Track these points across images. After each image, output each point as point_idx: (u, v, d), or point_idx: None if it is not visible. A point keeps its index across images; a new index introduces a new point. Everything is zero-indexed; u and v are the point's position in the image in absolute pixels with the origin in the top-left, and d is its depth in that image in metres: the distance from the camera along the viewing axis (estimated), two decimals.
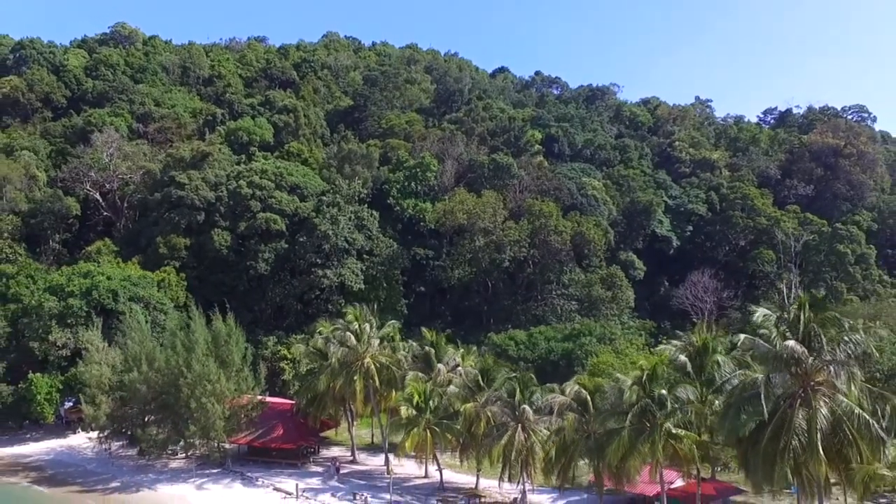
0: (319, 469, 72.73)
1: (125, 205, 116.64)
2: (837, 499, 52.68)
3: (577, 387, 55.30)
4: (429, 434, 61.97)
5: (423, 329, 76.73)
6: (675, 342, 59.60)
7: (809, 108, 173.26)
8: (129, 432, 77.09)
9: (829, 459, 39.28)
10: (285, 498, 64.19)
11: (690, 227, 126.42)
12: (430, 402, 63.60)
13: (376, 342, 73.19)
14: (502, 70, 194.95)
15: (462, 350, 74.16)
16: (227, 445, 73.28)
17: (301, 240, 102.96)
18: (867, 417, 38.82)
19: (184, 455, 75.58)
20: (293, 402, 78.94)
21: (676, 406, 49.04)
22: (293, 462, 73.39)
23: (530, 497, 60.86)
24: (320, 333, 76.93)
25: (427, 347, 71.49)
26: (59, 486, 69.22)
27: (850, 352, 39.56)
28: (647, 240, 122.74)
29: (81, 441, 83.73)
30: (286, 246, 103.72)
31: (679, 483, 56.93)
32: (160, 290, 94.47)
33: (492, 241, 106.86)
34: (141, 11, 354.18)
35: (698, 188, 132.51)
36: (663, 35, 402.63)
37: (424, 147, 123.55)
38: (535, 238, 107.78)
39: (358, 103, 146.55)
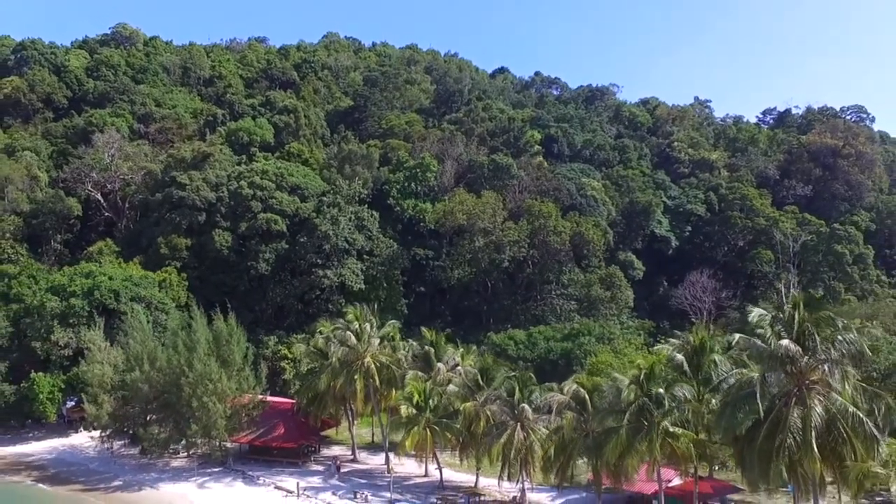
0: (320, 468, 73.18)
1: (126, 205, 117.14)
2: (834, 497, 53.20)
3: (575, 386, 55.77)
4: (429, 433, 62.37)
5: (423, 329, 77.12)
6: (673, 340, 60.07)
7: (808, 109, 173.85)
8: (131, 431, 77.49)
9: (823, 457, 39.74)
10: (286, 496, 64.58)
11: (689, 228, 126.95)
12: (430, 402, 64.02)
13: (376, 342, 73.62)
14: (502, 70, 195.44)
15: (462, 349, 74.67)
16: (228, 444, 73.87)
17: (302, 240, 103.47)
18: (861, 416, 39.32)
19: (185, 454, 76.01)
20: (294, 401, 79.29)
21: (674, 405, 49.54)
22: (294, 461, 73.82)
23: (529, 495, 61.40)
24: (321, 333, 77.33)
25: (427, 347, 71.94)
26: (62, 484, 69.67)
27: (844, 351, 40.07)
28: (646, 240, 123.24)
29: (83, 440, 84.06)
30: (287, 246, 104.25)
31: (677, 481, 57.37)
32: (161, 290, 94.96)
33: (491, 241, 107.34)
34: (142, 12, 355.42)
35: (697, 188, 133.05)
36: (663, 35, 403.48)
37: (424, 147, 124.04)
38: (534, 238, 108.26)
39: (358, 104, 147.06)
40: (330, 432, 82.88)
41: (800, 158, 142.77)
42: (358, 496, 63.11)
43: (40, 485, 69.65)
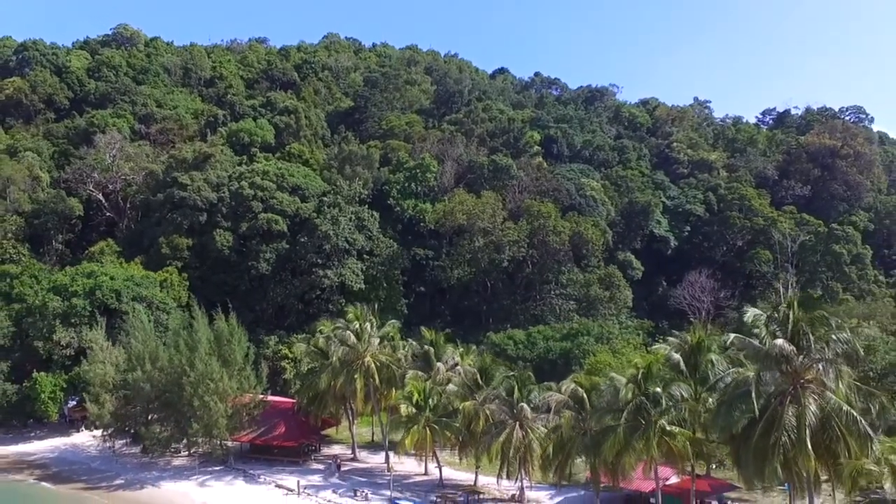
0: (320, 466, 73.64)
1: (128, 205, 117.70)
2: (829, 494, 53.63)
3: (573, 385, 56.10)
4: (428, 432, 62.78)
5: (423, 328, 77.62)
6: (671, 339, 60.45)
7: (807, 109, 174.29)
8: (132, 430, 77.91)
9: (818, 455, 40.21)
10: (287, 495, 64.99)
11: (688, 228, 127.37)
12: (430, 401, 64.45)
13: (376, 341, 74.07)
14: (502, 71, 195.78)
15: (461, 349, 75.07)
16: (229, 443, 74.28)
17: (302, 240, 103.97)
18: (855, 414, 39.79)
19: (187, 453, 76.43)
20: (294, 400, 79.73)
21: (670, 404, 49.92)
22: (295, 460, 74.30)
23: (528, 493, 61.86)
24: (321, 333, 77.69)
25: (426, 346, 72.39)
26: (64, 483, 70.23)
27: (838, 350, 40.54)
28: (645, 240, 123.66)
29: (85, 439, 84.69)
30: (287, 246, 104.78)
31: (674, 480, 57.79)
32: (163, 289, 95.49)
33: (491, 241, 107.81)
34: (143, 13, 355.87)
35: (696, 189, 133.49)
36: (663, 36, 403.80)
37: (424, 148, 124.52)
38: (533, 238, 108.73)
39: (358, 104, 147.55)
40: (330, 431, 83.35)
41: (798, 159, 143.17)
42: (358, 494, 63.57)
43: (43, 483, 70.22)
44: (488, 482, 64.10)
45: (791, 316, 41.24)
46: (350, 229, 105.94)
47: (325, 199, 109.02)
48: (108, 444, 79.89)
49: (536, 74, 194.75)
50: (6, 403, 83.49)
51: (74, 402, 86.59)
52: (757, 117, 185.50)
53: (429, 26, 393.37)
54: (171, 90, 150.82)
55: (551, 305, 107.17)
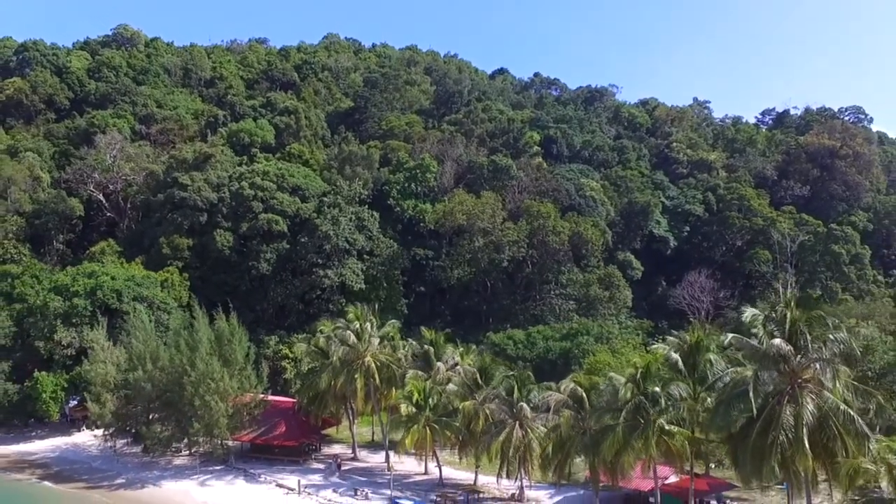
0: (321, 466, 73.90)
1: (128, 206, 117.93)
2: (828, 494, 53.86)
3: (573, 385, 56.37)
4: (428, 431, 63.06)
5: (423, 328, 77.90)
6: (671, 339, 60.69)
7: (807, 110, 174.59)
8: (133, 430, 78.18)
9: (815, 454, 40.48)
10: (287, 494, 65.25)
11: (688, 228, 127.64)
12: (430, 400, 64.73)
13: (377, 341, 74.33)
14: (501, 71, 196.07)
15: (461, 349, 75.22)
16: (230, 443, 74.58)
17: (302, 240, 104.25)
18: (852, 413, 40.08)
19: (187, 452, 76.64)
20: (295, 400, 80.00)
21: (669, 403, 50.26)
22: (295, 459, 74.56)
23: (528, 493, 62.18)
24: (321, 332, 77.92)
25: (426, 346, 72.65)
26: (65, 482, 70.46)
27: (835, 350, 40.80)
28: (645, 240, 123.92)
29: (86, 439, 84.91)
30: (288, 246, 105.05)
31: (673, 479, 58.05)
32: (163, 290, 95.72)
33: (491, 241, 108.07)
34: (143, 13, 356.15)
35: (695, 189, 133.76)
36: (662, 36, 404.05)
37: (424, 148, 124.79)
38: (533, 238, 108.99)
39: (358, 105, 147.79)
40: (330, 431, 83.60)
41: (798, 159, 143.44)
42: (358, 493, 63.84)
43: (45, 482, 70.45)
44: (488, 481, 64.34)
45: (788, 316, 41.55)
46: (350, 229, 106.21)
47: (325, 199, 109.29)
48: (109, 444, 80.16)
49: (536, 75, 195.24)
50: (7, 403, 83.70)
51: (75, 402, 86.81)
52: (756, 117, 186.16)
53: (428, 27, 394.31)
54: (172, 90, 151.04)
55: (551, 305, 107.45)
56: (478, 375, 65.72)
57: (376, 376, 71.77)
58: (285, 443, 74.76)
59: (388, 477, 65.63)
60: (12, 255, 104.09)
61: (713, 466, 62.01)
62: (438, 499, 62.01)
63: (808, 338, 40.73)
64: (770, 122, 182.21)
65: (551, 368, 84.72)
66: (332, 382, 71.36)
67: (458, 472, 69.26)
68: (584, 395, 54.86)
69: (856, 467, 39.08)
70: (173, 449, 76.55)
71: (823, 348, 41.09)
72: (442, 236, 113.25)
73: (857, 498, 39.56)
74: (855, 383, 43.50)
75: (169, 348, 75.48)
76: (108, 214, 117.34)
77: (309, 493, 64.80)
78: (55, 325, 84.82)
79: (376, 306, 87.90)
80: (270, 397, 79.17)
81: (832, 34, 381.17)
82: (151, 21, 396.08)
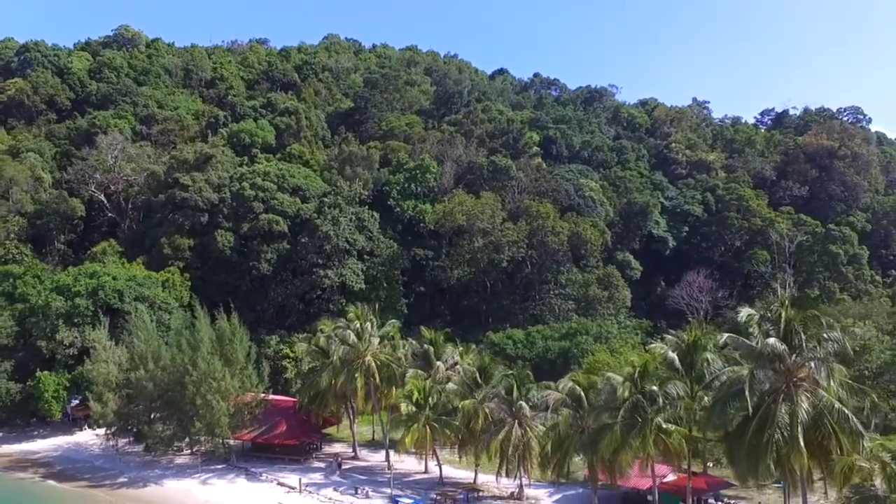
0: (322, 465, 74.28)
1: (129, 206, 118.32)
2: (825, 493, 54.34)
3: (571, 384, 56.78)
4: (428, 430, 63.45)
5: (423, 328, 78.36)
6: (668, 338, 61.18)
7: (806, 110, 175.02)
8: (135, 429, 78.51)
9: (810, 452, 40.91)
10: (288, 492, 65.57)
11: (686, 228, 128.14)
12: (430, 399, 65.14)
13: (377, 341, 74.73)
14: (501, 72, 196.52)
15: (461, 348, 75.66)
16: (231, 442, 74.84)
17: (303, 240, 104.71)
18: (846, 412, 40.57)
19: (189, 451, 77.00)
20: (296, 399, 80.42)
21: (667, 402, 50.64)
22: (296, 458, 74.94)
23: (527, 491, 62.61)
24: (322, 332, 78.31)
25: (426, 346, 73.08)
26: (68, 481, 70.80)
27: (830, 349, 41.30)
28: (644, 240, 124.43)
29: (88, 438, 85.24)
30: (288, 247, 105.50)
31: (671, 477, 58.49)
32: (165, 290, 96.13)
33: (490, 241, 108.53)
34: (144, 14, 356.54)
35: (694, 189, 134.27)
36: (662, 36, 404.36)
37: (424, 149, 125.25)
38: (532, 239, 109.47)
39: (358, 105, 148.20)
40: (331, 430, 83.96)
41: (796, 159, 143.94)
42: (359, 492, 64.23)
43: (49, 481, 70.81)
44: (488, 480, 64.76)
45: (783, 315, 42.05)
46: (350, 230, 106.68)
47: (325, 199, 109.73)
48: (111, 443, 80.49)
49: (536, 75, 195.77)
50: (10, 402, 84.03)
51: (77, 402, 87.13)
52: (756, 118, 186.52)
53: (428, 27, 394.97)
54: (172, 91, 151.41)
55: (550, 305, 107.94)
56: (477, 375, 66.12)
57: (376, 375, 72.16)
58: (286, 442, 75.19)
59: (389, 475, 66.08)
60: (14, 256, 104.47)
61: (711, 465, 62.40)
62: (438, 497, 62.39)
63: (803, 337, 41.26)
64: (769, 122, 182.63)
65: (550, 368, 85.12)
66: (333, 382, 71.75)
67: (457, 471, 69.70)
68: (582, 394, 55.32)
69: (850, 465, 39.55)
70: (175, 448, 76.93)
71: (818, 347, 41.61)
72: (442, 236, 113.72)
73: (851, 495, 39.97)
74: (850, 382, 44.01)
75: (170, 348, 75.88)
76: (110, 215, 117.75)
77: (310, 492, 65.15)
78: (57, 325, 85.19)
79: (376, 306, 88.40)
80: (271, 396, 79.62)
81: (832, 34, 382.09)
82: (152, 22, 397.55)
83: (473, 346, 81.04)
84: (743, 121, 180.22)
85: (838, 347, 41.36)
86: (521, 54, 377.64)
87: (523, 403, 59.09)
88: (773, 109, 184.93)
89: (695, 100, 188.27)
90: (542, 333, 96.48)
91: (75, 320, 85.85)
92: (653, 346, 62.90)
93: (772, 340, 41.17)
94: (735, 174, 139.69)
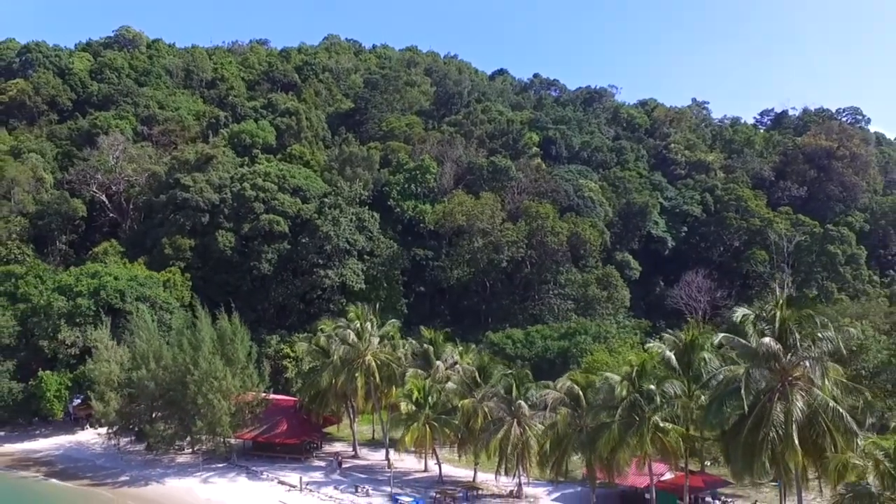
0: (322, 463, 74.70)
1: (131, 206, 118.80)
2: (821, 491, 54.77)
3: (569, 383, 57.19)
4: (428, 429, 63.88)
5: (423, 328, 78.87)
6: (666, 337, 61.57)
7: (805, 110, 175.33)
8: (137, 428, 79.09)
9: (805, 450, 41.34)
10: (289, 491, 65.99)
11: (685, 228, 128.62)
12: (429, 399, 65.57)
13: (377, 340, 75.18)
14: (501, 72, 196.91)
15: (460, 348, 76.09)
16: (232, 441, 75.25)
17: (303, 241, 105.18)
18: (841, 410, 41.02)
19: (190, 450, 77.35)
20: (296, 398, 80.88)
21: (664, 401, 51.11)
22: (297, 457, 75.33)
23: (526, 489, 62.99)
24: (322, 332, 78.72)
25: (426, 345, 73.55)
26: (70, 479, 71.21)
27: (824, 348, 41.77)
28: (643, 240, 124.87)
29: (90, 437, 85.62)
30: (289, 247, 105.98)
31: (668, 476, 58.92)
32: (166, 290, 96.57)
33: (490, 241, 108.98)
34: (144, 15, 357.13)
35: (693, 190, 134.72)
36: (662, 36, 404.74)
37: (424, 149, 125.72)
38: (532, 239, 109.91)
39: (359, 106, 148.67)
40: (331, 429, 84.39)
41: (795, 160, 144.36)
42: (359, 491, 64.63)
43: (52, 480, 71.25)
44: (487, 478, 65.19)
45: (778, 315, 42.51)
46: (351, 230, 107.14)
47: (325, 200, 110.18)
48: (112, 442, 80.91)
49: (535, 75, 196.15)
50: (12, 402, 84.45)
51: (79, 401, 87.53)
52: (755, 118, 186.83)
53: (428, 28, 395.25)
54: (173, 92, 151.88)
55: (549, 305, 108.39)
56: (477, 374, 66.56)
57: (376, 375, 72.60)
58: (287, 441, 75.63)
59: (389, 474, 66.49)
60: (16, 256, 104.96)
61: (708, 464, 62.83)
62: (438, 496, 62.72)
63: (798, 336, 41.72)
64: (768, 122, 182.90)
65: (550, 367, 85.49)
66: (333, 381, 72.16)
67: (457, 470, 70.12)
68: (580, 393, 55.74)
69: (844, 462, 39.92)
70: (176, 447, 77.34)
71: (812, 347, 42.08)
72: (442, 237, 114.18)
73: (845, 492, 40.39)
74: (844, 381, 44.47)
75: (172, 347, 76.37)
76: (111, 215, 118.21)
77: (310, 491, 65.54)
78: (59, 325, 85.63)
79: (376, 306, 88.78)
80: (272, 396, 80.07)
81: (831, 35, 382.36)
82: (153, 22, 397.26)
83: (473, 346, 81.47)
84: (742, 121, 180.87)
85: (832, 347, 41.83)
86: (521, 55, 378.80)
87: (522, 402, 59.52)
88: (772, 110, 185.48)
89: (694, 100, 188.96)
90: (542, 333, 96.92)
91: (77, 320, 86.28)
92: (650, 345, 63.24)
93: (767, 340, 41.66)
94: (734, 174, 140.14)
